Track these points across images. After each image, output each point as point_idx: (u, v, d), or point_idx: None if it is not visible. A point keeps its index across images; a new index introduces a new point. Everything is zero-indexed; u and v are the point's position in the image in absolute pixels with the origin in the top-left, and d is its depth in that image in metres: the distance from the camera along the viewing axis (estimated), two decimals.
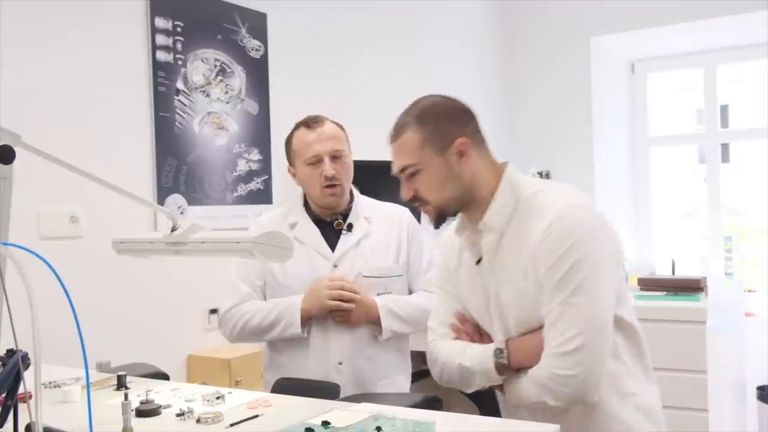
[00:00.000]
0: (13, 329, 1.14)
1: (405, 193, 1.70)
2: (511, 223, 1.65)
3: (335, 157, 2.21)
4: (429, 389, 3.29)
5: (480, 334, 1.76)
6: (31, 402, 1.09)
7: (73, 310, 1.11)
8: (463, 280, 1.78)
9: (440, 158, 1.64)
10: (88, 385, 1.14)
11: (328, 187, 2.19)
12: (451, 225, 1.80)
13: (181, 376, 2.96)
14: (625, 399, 1.66)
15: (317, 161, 2.19)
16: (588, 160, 5.22)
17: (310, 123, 2.23)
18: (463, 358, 1.70)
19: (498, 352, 1.65)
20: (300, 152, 2.22)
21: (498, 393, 1.77)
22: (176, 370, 2.91)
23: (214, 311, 3.04)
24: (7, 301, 1.20)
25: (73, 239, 2.64)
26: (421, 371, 3.26)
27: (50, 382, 1.99)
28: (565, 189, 1.69)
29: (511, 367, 1.64)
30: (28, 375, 1.21)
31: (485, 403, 3.17)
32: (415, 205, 1.73)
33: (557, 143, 5.29)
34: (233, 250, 1.61)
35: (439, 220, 1.70)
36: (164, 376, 2.22)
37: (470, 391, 1.74)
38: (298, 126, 2.28)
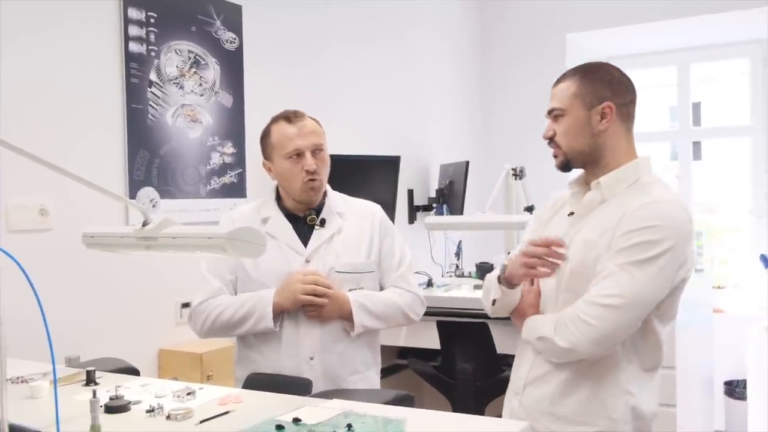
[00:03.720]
0: None
1: (546, 132, 1.86)
2: (619, 197, 1.77)
3: (316, 151, 2.20)
4: (399, 384, 3.32)
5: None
6: None
7: (40, 305, 1.10)
8: (548, 229, 1.92)
9: (584, 112, 1.79)
10: (55, 382, 1.12)
11: (308, 181, 2.19)
12: (546, 201, 2.04)
13: (152, 370, 2.94)
14: (620, 393, 1.75)
15: (298, 155, 2.18)
16: None
17: (291, 117, 2.22)
18: (491, 274, 1.95)
19: (503, 265, 1.86)
20: (280, 146, 2.21)
21: (515, 324, 1.91)
22: (147, 365, 2.89)
23: (186, 305, 3.01)
24: None
25: (42, 232, 2.60)
26: (389, 367, 3.28)
27: (17, 377, 1.97)
28: (681, 196, 1.82)
29: (504, 278, 1.84)
30: None
31: (457, 399, 3.22)
32: (551, 148, 1.87)
33: (532, 140, 5.29)
34: (205, 245, 1.60)
35: (564, 167, 1.86)
36: (134, 371, 2.21)
37: (488, 307, 1.96)
38: (276, 119, 2.26)
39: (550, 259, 1.74)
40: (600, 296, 1.67)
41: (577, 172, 1.91)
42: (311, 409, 1.55)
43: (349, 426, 1.40)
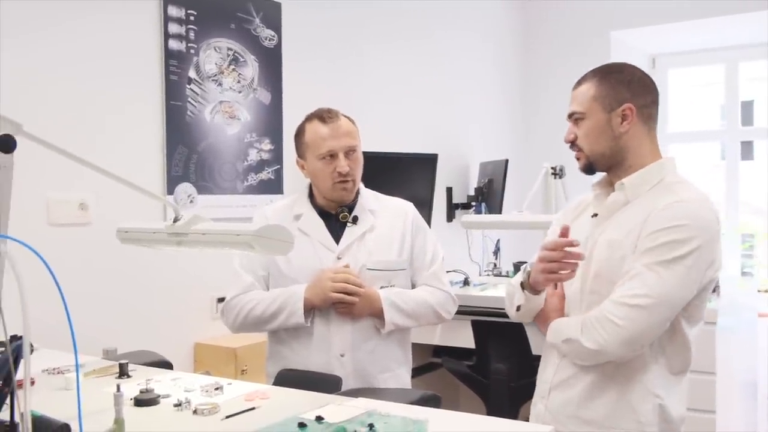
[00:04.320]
0: (3, 318, 1.15)
1: (567, 135, 1.85)
2: (643, 197, 1.75)
3: (349, 152, 2.20)
4: (433, 383, 3.31)
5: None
6: (20, 392, 1.09)
7: (62, 296, 1.12)
8: (572, 231, 1.88)
9: (604, 115, 1.77)
10: (77, 374, 1.14)
11: (340, 182, 2.19)
12: (568, 203, 2.02)
13: (188, 364, 2.98)
14: (648, 396, 1.72)
15: (331, 156, 2.19)
16: None
17: (325, 117, 2.21)
18: (515, 279, 1.92)
19: (524, 269, 1.84)
20: (314, 146, 2.21)
21: (540, 329, 1.90)
22: (183, 358, 2.93)
23: (221, 300, 3.03)
24: None
25: (81, 226, 2.66)
26: (423, 365, 3.27)
27: (53, 368, 2.01)
28: (707, 196, 1.78)
29: (529, 285, 1.81)
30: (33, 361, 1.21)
31: (491, 399, 3.20)
32: (573, 151, 1.86)
33: None
34: (233, 242, 1.61)
35: (587, 170, 1.85)
36: (168, 365, 2.24)
37: (512, 314, 1.93)
38: (310, 118, 2.25)
39: (568, 261, 1.72)
40: (627, 296, 1.65)
41: (600, 174, 1.89)
42: (335, 408, 1.56)
43: (371, 426, 1.39)
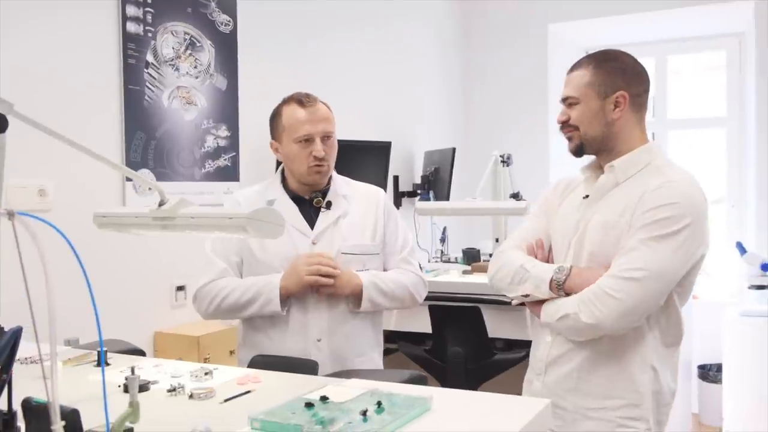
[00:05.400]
0: (29, 300, 1.13)
1: (560, 116, 1.90)
2: (632, 179, 1.82)
3: (325, 137, 2.21)
4: (391, 367, 3.34)
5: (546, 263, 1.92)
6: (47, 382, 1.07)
7: (88, 282, 1.10)
8: (561, 212, 1.95)
9: (598, 101, 1.83)
10: (102, 363, 1.13)
11: (315, 166, 2.19)
12: (553, 183, 2.07)
13: (149, 353, 2.93)
14: (645, 367, 1.80)
15: (307, 141, 2.19)
16: (544, 144, 5.32)
17: (303, 100, 2.21)
18: (527, 263, 1.89)
19: (560, 268, 1.82)
20: (290, 129, 2.20)
21: (529, 311, 1.92)
22: (143, 347, 2.87)
23: (181, 288, 3.02)
24: (24, 273, 1.18)
25: (41, 213, 2.57)
26: (384, 350, 3.30)
27: (26, 358, 1.96)
28: (695, 177, 1.84)
29: (563, 287, 1.79)
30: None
31: (448, 382, 3.26)
32: (564, 132, 1.91)
33: (513, 128, 5.37)
34: (225, 225, 1.60)
35: (578, 150, 1.90)
36: (140, 352, 2.21)
37: (512, 295, 1.91)
38: (288, 101, 2.25)
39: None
40: (623, 270, 1.71)
41: (587, 158, 1.95)
42: (335, 388, 1.57)
43: (379, 403, 1.42)
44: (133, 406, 1.25)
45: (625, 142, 1.85)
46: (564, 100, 1.89)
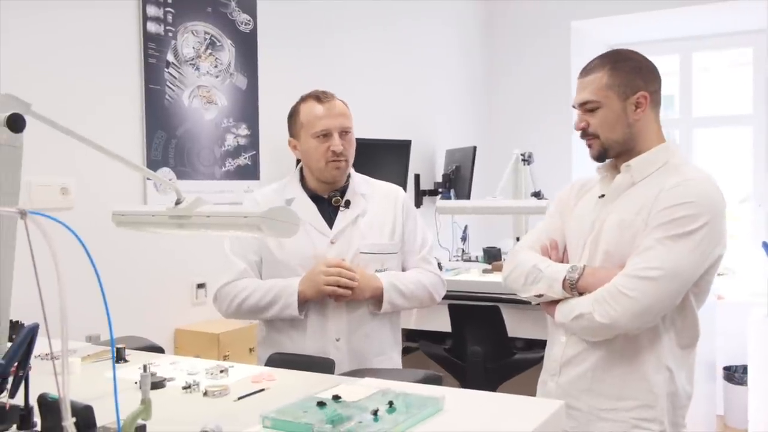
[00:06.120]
0: (41, 299, 1.14)
1: (578, 124, 1.86)
2: (649, 178, 1.80)
3: (343, 133, 2.21)
4: (410, 366, 3.34)
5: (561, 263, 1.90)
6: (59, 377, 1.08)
7: (99, 282, 1.11)
8: (576, 212, 1.93)
9: (620, 103, 1.80)
10: (113, 360, 1.14)
11: (333, 161, 2.20)
12: (570, 185, 2.04)
13: (169, 350, 2.96)
14: (660, 368, 1.77)
15: (325, 136, 2.19)
16: (566, 142, 5.29)
17: (320, 96, 2.22)
18: (541, 263, 1.87)
19: (574, 268, 1.80)
20: (308, 125, 2.21)
21: (545, 311, 1.90)
22: (164, 344, 2.89)
23: (201, 285, 3.04)
24: (36, 271, 1.19)
25: (63, 211, 2.61)
26: (403, 348, 3.31)
27: (45, 354, 1.98)
28: (713, 176, 1.82)
29: (576, 287, 1.77)
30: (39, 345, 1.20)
31: (468, 381, 3.25)
32: (585, 140, 1.88)
33: (536, 126, 5.34)
34: (240, 224, 1.60)
35: (600, 156, 1.87)
36: (159, 350, 2.22)
37: (525, 296, 1.89)
38: (305, 98, 2.26)
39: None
40: (638, 269, 1.68)
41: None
42: (347, 387, 1.57)
43: (391, 403, 1.41)
44: (145, 403, 1.26)
45: (644, 141, 1.83)
46: (582, 105, 1.84)
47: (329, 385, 1.58)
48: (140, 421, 1.27)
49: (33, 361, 1.89)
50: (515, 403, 1.53)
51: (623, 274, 1.71)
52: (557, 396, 1.82)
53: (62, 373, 1.09)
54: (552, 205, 2.08)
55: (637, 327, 1.72)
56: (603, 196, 1.88)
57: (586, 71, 1.86)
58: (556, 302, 1.84)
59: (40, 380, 1.68)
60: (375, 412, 1.36)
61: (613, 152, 1.86)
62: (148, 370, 1.30)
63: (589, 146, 1.87)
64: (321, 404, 1.44)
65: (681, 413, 1.82)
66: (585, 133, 1.86)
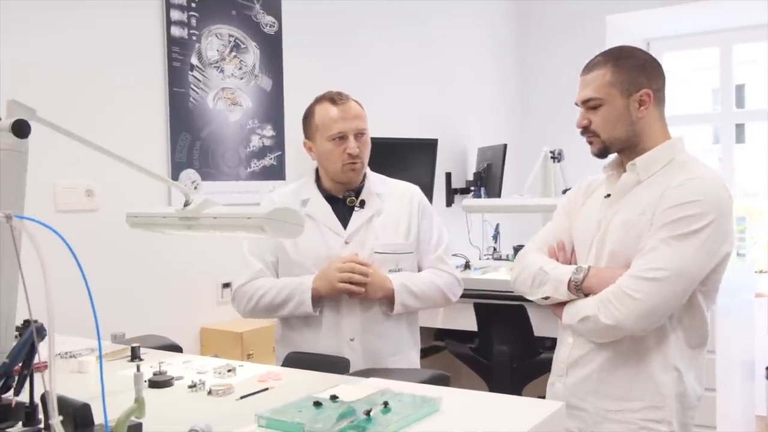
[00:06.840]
0: (27, 301, 1.17)
1: (580, 121, 1.85)
2: (655, 176, 1.78)
3: (359, 135, 2.22)
4: (436, 365, 3.34)
5: (568, 264, 1.89)
6: (46, 372, 1.11)
7: (85, 280, 1.14)
8: (583, 212, 1.91)
9: (623, 100, 1.78)
10: (101, 358, 1.17)
11: (349, 164, 2.21)
12: (578, 185, 2.03)
13: (195, 348, 3.01)
14: (668, 368, 1.75)
15: (341, 138, 2.20)
16: None
17: (335, 99, 2.22)
18: (547, 265, 1.87)
19: (579, 269, 1.79)
20: (324, 127, 2.22)
21: (554, 313, 1.89)
22: (189, 343, 2.96)
23: (227, 285, 3.08)
24: (21, 273, 1.23)
25: (88, 212, 2.68)
26: (426, 348, 3.30)
27: (65, 352, 2.03)
28: (719, 174, 1.80)
29: (581, 288, 1.77)
30: (43, 345, 1.24)
31: (494, 381, 3.23)
32: (586, 137, 1.87)
33: (569, 123, 5.26)
34: (245, 225, 1.63)
35: (602, 153, 1.85)
36: (177, 348, 2.26)
37: (533, 298, 1.89)
38: (320, 100, 2.26)
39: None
40: (643, 270, 1.66)
41: (610, 157, 1.90)
42: (348, 387, 1.58)
43: (386, 404, 1.42)
44: (139, 401, 1.29)
45: (649, 138, 1.80)
46: (584, 102, 1.83)
47: (332, 385, 1.59)
48: (133, 419, 1.30)
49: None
50: (514, 404, 1.52)
51: (628, 275, 1.69)
52: (564, 397, 1.81)
53: (49, 372, 1.12)
54: (560, 205, 2.06)
55: (642, 328, 1.69)
56: (609, 195, 1.85)
57: (588, 68, 1.84)
58: (563, 304, 1.82)
59: (60, 378, 1.73)
60: (368, 413, 1.36)
61: (614, 149, 1.84)
62: (140, 370, 1.33)
63: (590, 143, 1.85)
64: (317, 404, 1.45)
65: (691, 414, 1.79)
66: (586, 131, 1.84)
